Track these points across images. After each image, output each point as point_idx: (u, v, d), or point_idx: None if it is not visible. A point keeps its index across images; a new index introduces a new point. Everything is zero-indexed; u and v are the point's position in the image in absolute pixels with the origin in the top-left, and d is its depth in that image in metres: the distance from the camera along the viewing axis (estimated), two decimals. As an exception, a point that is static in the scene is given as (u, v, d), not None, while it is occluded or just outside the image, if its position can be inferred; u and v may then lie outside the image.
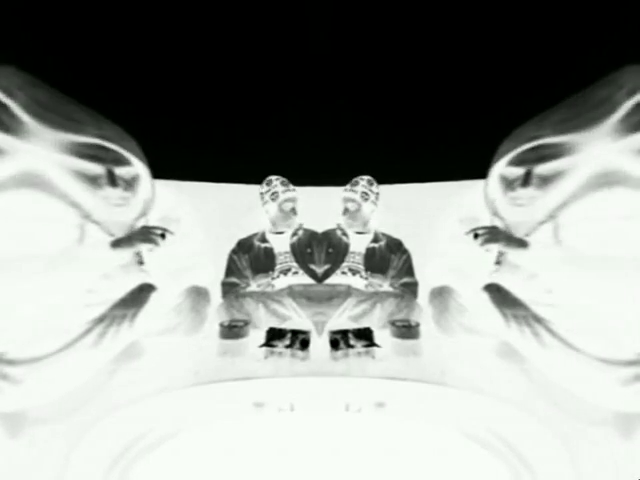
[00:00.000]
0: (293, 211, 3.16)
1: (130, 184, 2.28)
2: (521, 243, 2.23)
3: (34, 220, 2.11)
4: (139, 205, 2.38)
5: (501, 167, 2.30)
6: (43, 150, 2.04)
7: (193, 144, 3.97)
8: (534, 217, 2.28)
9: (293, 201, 3.15)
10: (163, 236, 2.31)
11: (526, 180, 2.18)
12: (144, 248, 2.32)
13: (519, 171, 2.21)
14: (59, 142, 2.06)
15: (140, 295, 2.33)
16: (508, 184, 2.27)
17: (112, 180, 2.20)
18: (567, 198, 2.14)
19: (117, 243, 2.26)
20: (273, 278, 3.02)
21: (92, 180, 2.18)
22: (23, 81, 2.01)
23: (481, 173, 2.45)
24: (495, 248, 2.32)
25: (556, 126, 2.10)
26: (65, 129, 2.06)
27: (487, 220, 2.51)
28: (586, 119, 2.02)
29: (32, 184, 2.06)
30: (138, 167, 2.30)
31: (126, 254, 2.31)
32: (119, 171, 2.22)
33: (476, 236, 2.30)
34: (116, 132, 2.26)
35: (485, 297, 2.33)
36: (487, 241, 2.27)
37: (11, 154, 1.99)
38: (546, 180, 2.16)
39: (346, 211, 3.13)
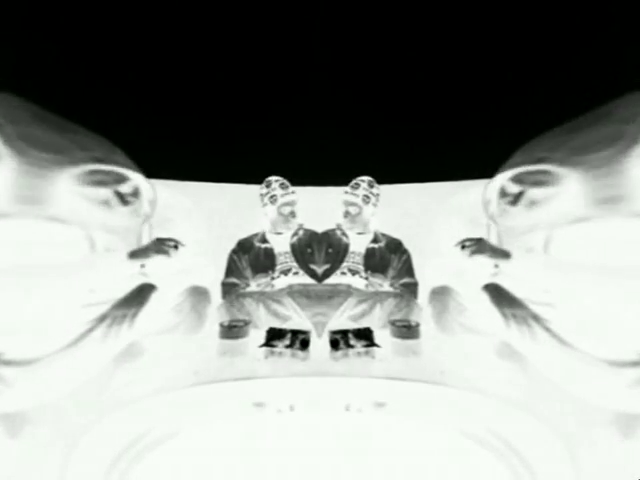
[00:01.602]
0: (292, 214, 3.14)
1: (134, 195, 2.36)
2: (504, 254, 2.34)
3: (42, 234, 2.14)
4: (144, 211, 2.46)
5: (504, 178, 2.36)
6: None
7: (193, 144, 3.97)
8: (526, 224, 2.32)
9: (292, 205, 3.13)
10: (176, 247, 2.43)
11: (516, 200, 2.26)
12: (158, 259, 2.41)
13: (515, 188, 2.28)
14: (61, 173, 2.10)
15: (140, 295, 2.32)
16: (503, 196, 2.36)
17: (122, 200, 2.29)
18: (558, 221, 2.18)
19: (133, 255, 2.35)
20: (273, 278, 3.02)
21: (102, 203, 2.25)
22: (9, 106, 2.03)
23: (481, 173, 2.46)
24: (481, 259, 2.40)
25: (571, 157, 2.13)
26: (59, 162, 2.10)
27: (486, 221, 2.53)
28: (607, 148, 2.04)
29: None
30: (136, 178, 2.38)
31: (137, 263, 2.38)
32: (123, 189, 2.30)
33: (463, 247, 2.43)
34: (105, 149, 2.32)
35: (485, 297, 2.33)
36: (474, 252, 2.41)
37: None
38: (535, 204, 2.22)
39: (347, 214, 3.12)
